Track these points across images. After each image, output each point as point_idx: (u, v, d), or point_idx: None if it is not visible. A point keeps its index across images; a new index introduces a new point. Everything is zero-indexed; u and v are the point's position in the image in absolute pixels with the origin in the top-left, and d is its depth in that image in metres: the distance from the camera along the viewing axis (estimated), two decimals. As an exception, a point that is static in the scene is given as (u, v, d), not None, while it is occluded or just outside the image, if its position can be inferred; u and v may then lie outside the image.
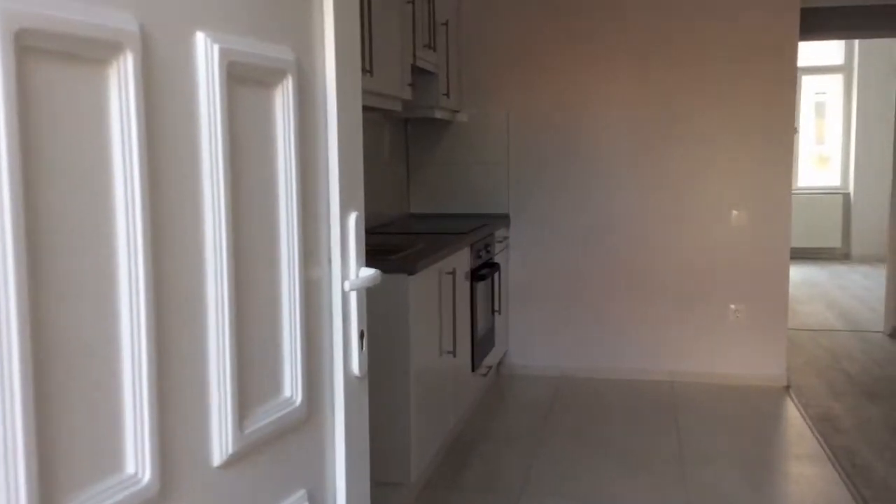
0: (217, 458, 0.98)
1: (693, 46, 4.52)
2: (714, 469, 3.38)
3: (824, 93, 10.04)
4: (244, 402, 1.01)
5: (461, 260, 3.61)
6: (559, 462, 3.48)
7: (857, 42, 9.54)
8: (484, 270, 4.01)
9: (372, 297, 2.81)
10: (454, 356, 3.38)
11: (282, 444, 1.11)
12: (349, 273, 1.24)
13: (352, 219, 1.26)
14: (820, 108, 10.21)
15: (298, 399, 1.13)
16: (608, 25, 4.61)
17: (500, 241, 4.56)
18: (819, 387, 4.53)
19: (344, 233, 1.23)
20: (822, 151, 10.19)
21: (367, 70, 3.02)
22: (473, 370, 3.88)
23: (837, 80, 9.77)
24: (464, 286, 3.68)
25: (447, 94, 4.40)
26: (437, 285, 3.22)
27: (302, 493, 1.15)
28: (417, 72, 4.01)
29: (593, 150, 4.69)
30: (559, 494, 3.15)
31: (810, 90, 9.91)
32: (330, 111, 1.21)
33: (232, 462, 1.00)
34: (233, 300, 0.98)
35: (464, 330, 3.67)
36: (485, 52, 4.78)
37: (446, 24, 4.36)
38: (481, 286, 4.02)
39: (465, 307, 3.72)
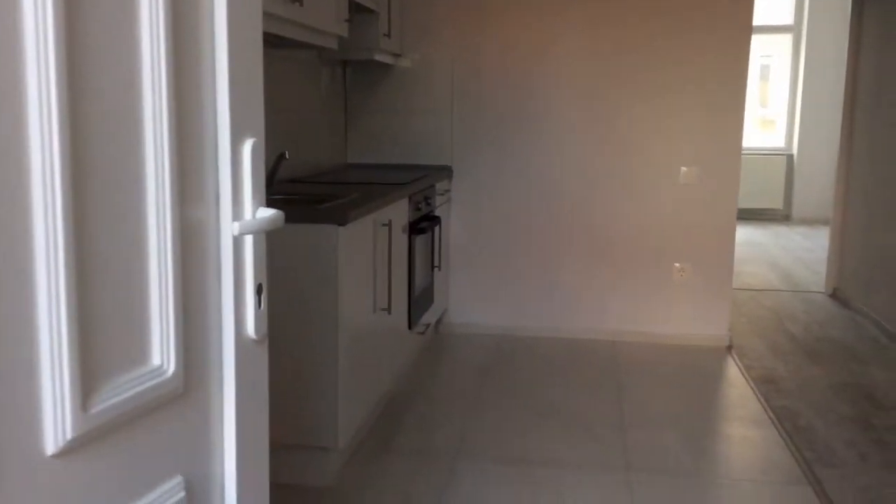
0: (51, 445, 0.76)
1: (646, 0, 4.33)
2: (655, 432, 3.28)
3: (770, 56, 9.99)
4: (91, 374, 0.79)
5: (399, 212, 3.40)
6: (497, 424, 3.33)
7: (806, 1, 9.47)
8: (423, 224, 3.80)
9: (298, 250, 2.59)
10: (389, 313, 3.18)
11: (149, 422, 0.89)
12: (242, 214, 1.02)
13: (246, 147, 1.03)
14: (765, 71, 10.17)
15: (171, 368, 0.91)
16: (559, -32, 4.37)
17: (442, 195, 4.35)
18: (761, 347, 4.47)
19: (236, 164, 1.01)
20: (766, 115, 10.18)
21: (295, -1, 2.75)
22: (410, 328, 3.69)
23: (786, 39, 9.72)
24: (401, 240, 3.47)
25: (388, 35, 4.13)
26: (372, 238, 3.00)
27: (178, 480, 0.94)
28: (355, 8, 3.73)
29: (542, 103, 4.48)
30: (496, 458, 3.00)
31: (756, 52, 9.84)
32: (218, 6, 0.97)
33: (73, 449, 0.78)
34: (70, 244, 0.75)
35: (400, 286, 3.47)
36: (429, -7, 4.51)
37: (387, -41, 4.07)
38: (420, 240, 3.81)
39: (403, 262, 3.51)
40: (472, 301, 4.68)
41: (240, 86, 1.00)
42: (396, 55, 4.48)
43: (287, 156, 3.02)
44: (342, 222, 2.59)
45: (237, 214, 1.00)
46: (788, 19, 9.65)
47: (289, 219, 2.53)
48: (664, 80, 4.37)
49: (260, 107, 1.08)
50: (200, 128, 0.96)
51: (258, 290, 1.06)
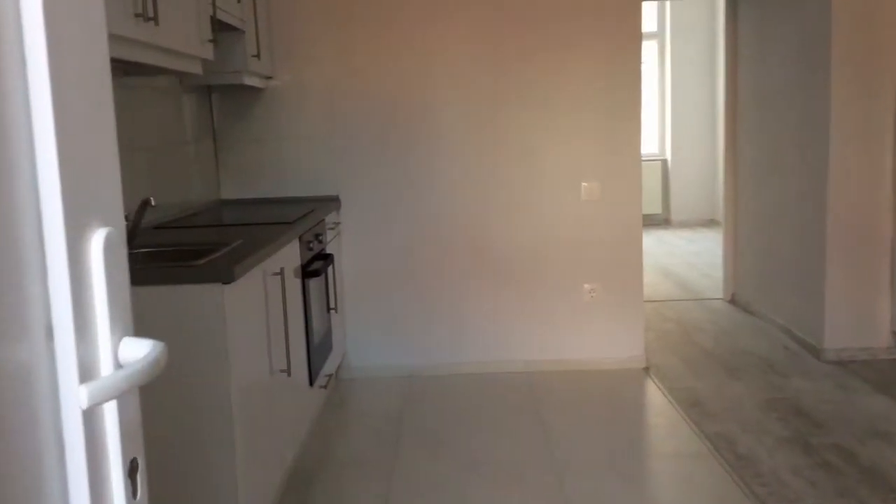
0: None
1: (534, 8, 4.08)
2: (591, 475, 2.98)
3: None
4: None
5: (290, 255, 2.96)
6: (419, 487, 2.94)
7: (668, 7, 9.64)
8: (316, 264, 3.38)
9: (177, 317, 2.12)
10: (288, 375, 2.74)
11: None
12: (95, 361, 0.60)
13: (95, 242, 0.62)
14: (633, 76, 10.29)
15: None
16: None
17: (332, 228, 3.93)
18: (678, 365, 4.29)
19: (79, 273, 0.60)
20: (638, 119, 10.30)
21: (149, 17, 2.28)
22: (312, 383, 3.25)
23: (651, 46, 9.85)
24: (294, 286, 3.03)
25: (257, 56, 3.69)
26: (263, 291, 2.56)
27: None
28: (219, 26, 3.27)
29: (431, 122, 4.15)
30: (426, 533, 2.62)
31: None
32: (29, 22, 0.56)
33: None
34: None
35: (297, 340, 3.03)
36: (299, 6, 4.09)
37: (252, -29, 3.63)
38: (314, 283, 3.38)
39: (298, 311, 3.08)
40: (372, 342, 4.28)
41: (77, 145, 0.59)
42: (267, 78, 4.04)
43: (153, 202, 2.53)
44: (227, 279, 2.14)
45: (86, 363, 0.59)
46: (652, 26, 9.79)
47: (162, 279, 2.08)
48: (557, 91, 4.13)
49: (115, 173, 0.67)
50: (12, 219, 0.54)
51: (131, 470, 0.65)
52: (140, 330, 2.11)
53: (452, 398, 3.88)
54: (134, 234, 2.56)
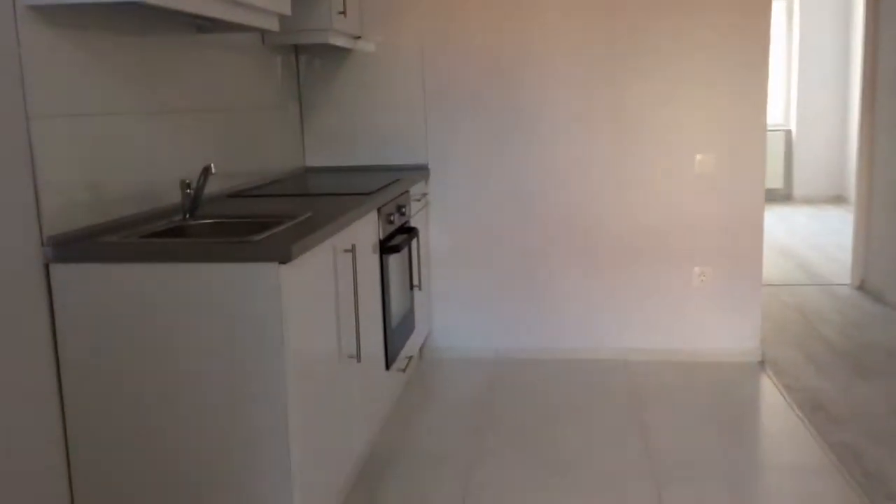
0: None
1: (648, -48, 3.67)
2: (693, 485, 2.64)
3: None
4: None
5: (366, 230, 2.73)
6: (499, 485, 2.68)
7: (799, -34, 8.86)
8: (397, 239, 3.14)
9: (230, 297, 1.92)
10: (358, 361, 2.52)
11: None
12: None
13: None
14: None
15: None
16: (544, -73, 3.70)
17: (418, 200, 3.68)
18: (798, 360, 3.85)
19: None
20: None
21: (209, -37, 2.06)
22: (388, 367, 3.03)
23: (779, 9, 9.10)
24: (371, 263, 2.80)
25: (343, 13, 3.45)
26: (332, 269, 2.34)
27: None
28: None
29: (531, 89, 3.82)
30: (503, 542, 2.36)
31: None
32: None
33: None
34: None
35: (372, 321, 2.80)
36: (392, -37, 3.82)
37: (340, -79, 3.38)
38: (395, 260, 3.15)
39: (375, 290, 2.85)
40: (459, 321, 4.03)
41: None
42: (356, 38, 3.80)
43: (213, 169, 2.34)
44: (284, 258, 1.92)
45: None
46: (780, -15, 9.03)
47: (213, 256, 1.88)
48: (673, 56, 3.72)
49: None
50: None
51: None
52: (190, 311, 1.92)
53: (541, 386, 3.59)
54: (196, 204, 2.38)
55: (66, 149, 2.02)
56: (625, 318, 3.93)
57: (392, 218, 3.09)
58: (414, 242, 3.53)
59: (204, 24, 2.75)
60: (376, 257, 2.89)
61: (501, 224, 3.92)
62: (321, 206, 2.62)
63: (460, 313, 4.01)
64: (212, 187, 2.90)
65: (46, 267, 1.95)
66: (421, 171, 3.82)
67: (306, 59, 3.91)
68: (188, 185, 2.35)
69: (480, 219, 3.93)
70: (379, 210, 2.91)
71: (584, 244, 3.90)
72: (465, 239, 3.96)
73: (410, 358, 3.39)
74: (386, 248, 2.98)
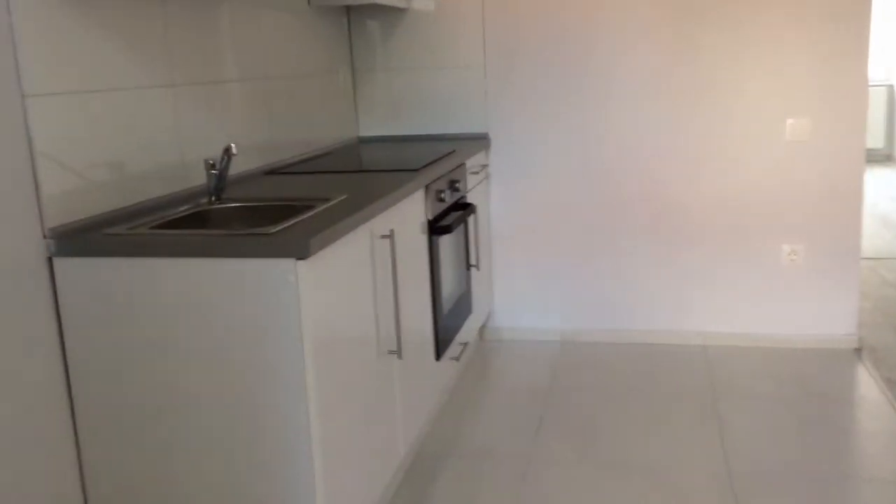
0: None
1: None
2: (777, 496, 2.34)
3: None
4: None
5: (410, 211, 2.49)
6: (556, 487, 2.44)
7: None
8: (450, 218, 2.89)
9: (245, 295, 1.71)
10: (399, 357, 2.29)
11: None
12: None
13: None
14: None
15: None
16: None
17: (476, 172, 3.42)
18: (900, 348, 3.45)
19: None
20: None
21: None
22: (439, 357, 2.80)
23: (882, -49, 8.33)
24: (417, 247, 2.57)
25: (393, -29, 3.17)
26: (369, 258, 2.11)
27: None
28: None
29: (602, 47, 3.48)
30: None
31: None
32: None
33: None
34: None
35: (418, 311, 2.57)
36: (448, -87, 3.52)
37: None
38: (446, 241, 2.90)
39: (421, 276, 2.62)
40: (522, 301, 3.77)
41: None
42: (411, -3, 3.52)
43: (234, 150, 2.13)
44: (302, 254, 1.69)
45: None
46: (885, -74, 8.26)
47: (222, 252, 1.68)
48: (757, 5, 3.31)
49: None
50: None
51: None
52: (199, 309, 1.72)
53: (608, 373, 3.31)
54: (221, 185, 2.18)
55: (70, 130, 1.84)
56: (704, 299, 3.59)
57: (443, 195, 2.84)
58: (471, 219, 3.27)
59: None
60: (424, 239, 2.65)
61: (568, 197, 3.62)
62: (361, 184, 2.39)
63: (524, 292, 3.75)
64: (251, 163, 2.71)
65: (50, 261, 1.79)
66: (480, 140, 3.55)
67: (358, 20, 3.66)
68: (213, 166, 2.15)
69: (545, 192, 3.64)
70: (427, 188, 2.66)
71: (660, 219, 3.57)
72: (529, 213, 3.67)
73: (465, 345, 3.15)
74: (436, 228, 2.74)
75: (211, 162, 2.16)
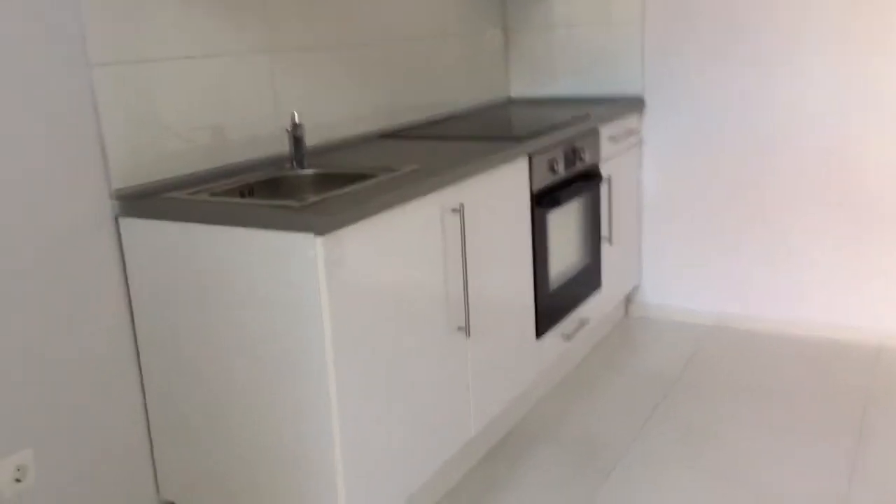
0: None
1: None
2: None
3: None
4: None
5: (504, 182, 2.37)
6: (644, 494, 2.25)
7: None
8: (566, 191, 2.72)
9: (267, 273, 1.73)
10: (468, 335, 2.22)
11: None
12: None
13: None
14: None
15: None
16: None
17: (616, 139, 3.18)
18: None
19: None
20: None
21: None
22: (540, 335, 2.68)
23: None
24: (514, 219, 2.45)
25: (534, -76, 3.00)
26: (432, 232, 2.05)
27: None
28: None
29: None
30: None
31: None
32: None
33: None
34: None
35: (507, 287, 2.47)
36: None
37: None
38: (563, 212, 2.74)
39: (519, 250, 2.50)
40: (674, 278, 3.49)
41: None
42: (565, -51, 3.32)
43: (296, 118, 2.14)
44: (322, 229, 1.67)
45: None
46: None
47: (250, 221, 1.72)
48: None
49: None
50: None
51: None
52: (238, 279, 1.77)
53: (751, 366, 2.99)
54: (299, 152, 2.21)
55: (143, 98, 1.96)
56: (887, 290, 3.10)
57: (556, 166, 2.68)
58: (603, 190, 3.06)
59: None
60: (526, 211, 2.52)
61: (731, 168, 3.27)
62: (450, 153, 2.32)
63: (676, 269, 3.47)
64: (369, 125, 2.73)
65: (116, 220, 1.93)
66: (632, 103, 3.29)
67: (513, -24, 3.52)
68: (295, 132, 2.19)
69: (705, 161, 3.31)
70: (531, 158, 2.52)
71: (839, 199, 3.11)
72: (686, 184, 3.37)
73: (582, 323, 2.98)
74: (543, 201, 2.60)
75: (287, 129, 2.20)
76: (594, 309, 3.10)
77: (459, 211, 2.15)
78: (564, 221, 2.79)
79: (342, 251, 1.74)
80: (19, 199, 1.71)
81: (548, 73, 3.55)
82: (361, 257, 1.80)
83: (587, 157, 2.90)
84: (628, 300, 3.60)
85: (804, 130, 3.12)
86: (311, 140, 2.49)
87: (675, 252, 3.46)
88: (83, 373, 1.88)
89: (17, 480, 1.76)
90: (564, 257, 2.81)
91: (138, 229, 1.90)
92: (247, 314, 1.81)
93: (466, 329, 2.21)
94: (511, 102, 3.58)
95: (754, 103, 3.18)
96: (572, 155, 2.78)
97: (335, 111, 2.60)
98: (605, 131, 3.05)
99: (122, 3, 1.90)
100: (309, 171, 2.22)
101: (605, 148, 3.06)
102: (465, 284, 2.18)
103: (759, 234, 3.28)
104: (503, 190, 2.39)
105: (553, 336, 2.78)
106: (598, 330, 3.33)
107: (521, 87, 3.62)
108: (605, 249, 3.15)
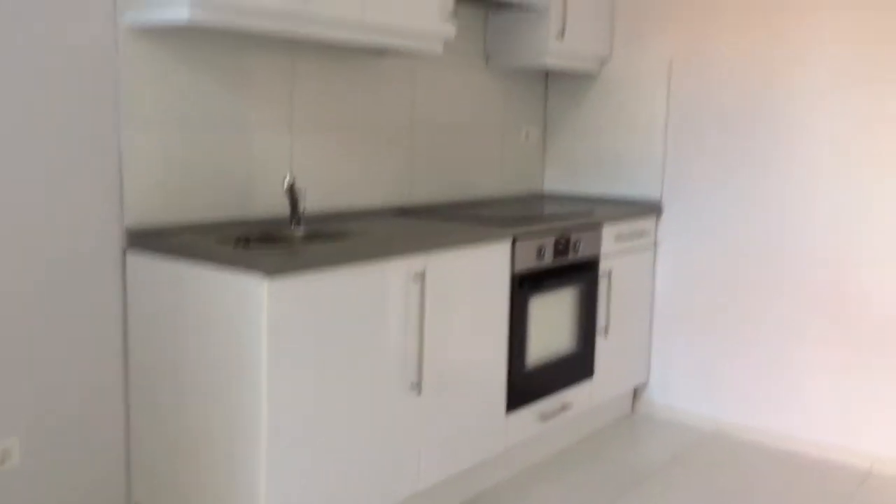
0: None
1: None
2: None
3: None
4: None
5: (483, 260, 2.61)
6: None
7: None
8: (557, 277, 2.92)
9: (216, 313, 2.03)
10: (419, 393, 2.43)
11: None
12: None
13: None
14: None
15: None
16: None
17: (634, 238, 3.35)
18: None
19: None
20: None
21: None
22: (511, 410, 2.84)
23: None
24: (490, 294, 2.67)
25: (561, 36, 3.30)
26: (401, 293, 2.31)
27: None
28: (501, 7, 3.05)
29: (793, 115, 3.20)
30: None
31: None
32: None
33: None
34: None
35: (476, 356, 2.67)
36: (643, -20, 3.53)
37: (564, -61, 3.25)
38: (554, 297, 2.93)
39: (493, 323, 2.71)
40: (679, 381, 3.56)
41: None
42: (599, 61, 3.59)
43: (289, 180, 2.47)
44: (272, 270, 1.97)
45: None
46: None
47: (219, 261, 2.04)
48: None
49: None
50: None
51: None
52: (197, 315, 2.09)
53: (730, 479, 3.01)
54: (296, 215, 2.53)
55: (172, 159, 2.34)
56: (883, 414, 3.08)
57: (543, 252, 2.89)
58: (602, 284, 3.23)
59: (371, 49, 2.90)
60: (504, 289, 2.74)
61: (742, 278, 3.36)
62: (434, 229, 2.59)
63: (684, 371, 3.55)
64: (393, 200, 3.06)
65: (124, 253, 2.30)
66: (650, 206, 3.47)
67: (555, 82, 3.82)
68: (292, 195, 2.52)
69: (719, 269, 3.42)
70: (515, 241, 2.75)
71: (843, 316, 3.14)
72: (699, 290, 3.48)
73: (563, 407, 3.11)
74: (525, 283, 2.81)
75: (286, 189, 2.53)
76: (581, 396, 3.22)
77: (421, 277, 2.40)
78: (553, 306, 2.97)
79: (296, 295, 2.02)
80: (43, 223, 2.10)
81: (579, 171, 3.78)
82: (311, 306, 2.08)
83: (583, 250, 3.09)
84: (636, 397, 3.68)
85: (810, 244, 3.19)
86: (325, 207, 2.83)
87: (684, 354, 3.54)
88: (75, 381, 2.22)
89: (1, 462, 2.10)
90: (549, 340, 2.98)
91: (141, 263, 2.26)
92: (205, 348, 2.11)
93: (419, 387, 2.42)
94: (543, 196, 3.83)
95: (767, 215, 3.28)
96: (564, 245, 2.99)
97: (353, 183, 2.93)
98: (610, 229, 3.24)
99: (161, 82, 2.31)
100: (301, 230, 2.54)
101: (608, 244, 3.24)
102: (421, 345, 2.41)
103: (764, 344, 3.33)
104: (479, 266, 2.62)
105: (526, 414, 2.93)
106: (592, 421, 3.43)
107: (554, 183, 3.87)
108: (601, 340, 3.29)
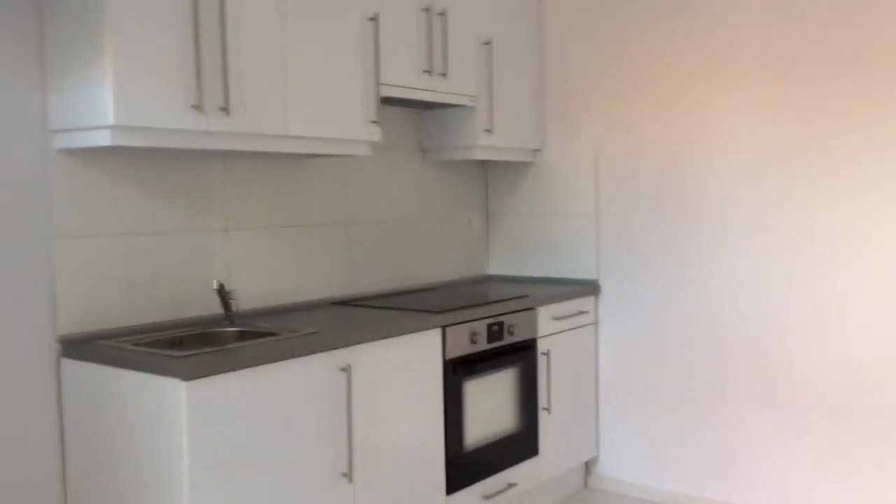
0: None
1: (859, 41, 3.03)
2: None
3: None
4: None
5: (413, 348, 2.73)
6: None
7: None
8: (491, 361, 3.03)
9: (142, 409, 2.14)
10: (350, 481, 2.51)
11: None
12: None
13: None
14: None
15: None
16: (733, 24, 3.29)
17: (572, 317, 3.48)
18: None
19: None
20: None
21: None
22: (452, 492, 2.91)
23: None
24: (422, 381, 2.78)
25: (490, 131, 3.49)
26: (327, 386, 2.41)
27: None
28: (432, 105, 3.30)
29: (715, 196, 3.36)
30: None
31: None
32: None
33: None
34: None
35: (409, 442, 2.75)
36: (565, 77, 3.75)
37: (489, 42, 3.47)
38: (490, 380, 3.04)
39: (428, 410, 2.80)
40: (627, 455, 3.63)
41: None
42: (533, 150, 3.79)
43: (216, 284, 2.61)
44: (191, 374, 2.08)
45: None
46: None
47: (143, 367, 2.15)
48: (883, 137, 2.98)
49: None
50: None
51: None
52: (121, 416, 2.19)
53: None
54: (226, 315, 2.65)
55: (93, 266, 2.48)
56: (825, 488, 3.14)
57: (476, 338, 3.00)
58: (542, 364, 3.34)
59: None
60: (437, 375, 2.84)
61: (681, 354, 3.46)
62: (367, 319, 2.71)
63: (632, 445, 3.62)
64: (331, 292, 3.19)
65: (58, 359, 2.41)
66: (588, 287, 3.61)
67: (494, 170, 4.00)
68: (222, 295, 2.65)
69: (657, 345, 3.53)
70: (444, 329, 2.87)
71: (774, 387, 3.24)
72: (641, 366, 3.58)
73: (510, 486, 3.18)
74: (459, 369, 2.92)
75: (215, 290, 2.66)
76: (528, 474, 3.29)
77: (347, 370, 2.51)
78: (491, 387, 3.07)
79: (217, 396, 2.13)
80: (-24, 337, 2.22)
81: (522, 254, 3.93)
82: (234, 405, 2.18)
83: (519, 332, 3.21)
84: (588, 471, 3.74)
85: (739, 316, 3.31)
86: (266, 302, 2.95)
87: (631, 429, 3.62)
88: (15, 480, 2.30)
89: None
90: (487, 421, 3.07)
91: (74, 368, 2.37)
92: (133, 450, 2.21)
93: (349, 475, 2.51)
94: (488, 279, 3.97)
95: (693, 293, 3.41)
96: (499, 328, 3.11)
97: (292, 278, 3.06)
98: (546, 311, 3.36)
99: (91, 190, 2.46)
100: (234, 329, 2.66)
101: (545, 325, 3.36)
102: (350, 434, 2.50)
103: (700, 416, 3.41)
104: (409, 355, 2.73)
105: (469, 494, 3.00)
106: (542, 497, 3.48)
107: (499, 266, 4.01)
108: (545, 418, 3.37)
